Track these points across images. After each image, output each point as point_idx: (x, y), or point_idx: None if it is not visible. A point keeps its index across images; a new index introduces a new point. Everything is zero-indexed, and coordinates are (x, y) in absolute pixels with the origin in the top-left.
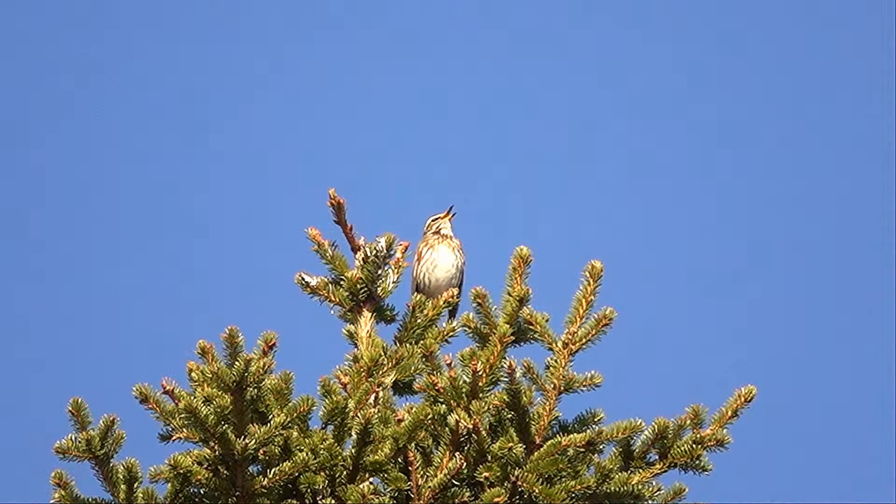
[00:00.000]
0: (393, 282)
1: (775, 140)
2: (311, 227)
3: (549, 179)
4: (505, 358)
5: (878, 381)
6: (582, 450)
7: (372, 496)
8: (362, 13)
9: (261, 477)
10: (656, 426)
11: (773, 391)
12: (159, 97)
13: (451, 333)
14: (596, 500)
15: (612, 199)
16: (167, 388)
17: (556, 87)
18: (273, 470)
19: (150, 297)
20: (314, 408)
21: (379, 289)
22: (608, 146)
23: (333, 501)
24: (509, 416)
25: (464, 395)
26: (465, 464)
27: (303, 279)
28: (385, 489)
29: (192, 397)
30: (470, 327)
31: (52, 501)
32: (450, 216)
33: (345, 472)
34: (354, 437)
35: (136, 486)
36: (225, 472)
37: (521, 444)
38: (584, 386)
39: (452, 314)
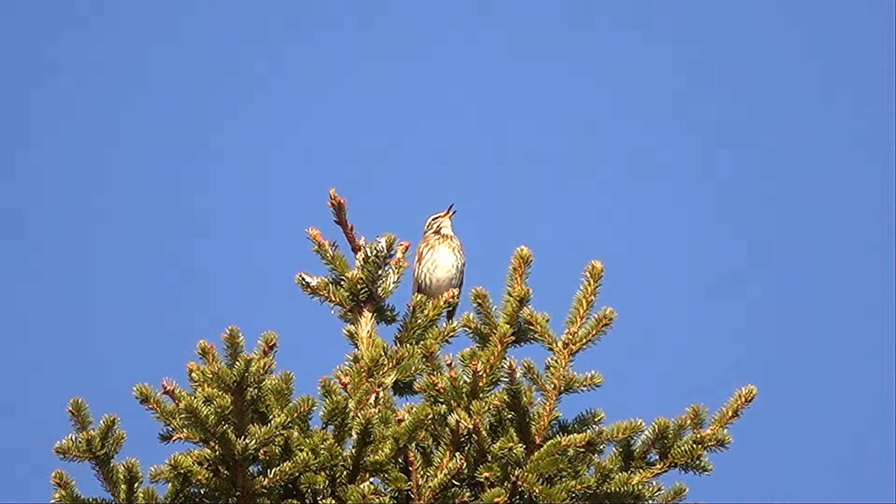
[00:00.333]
0: (393, 282)
1: (775, 140)
2: (311, 228)
3: (549, 179)
4: (505, 358)
5: (878, 381)
6: (582, 450)
7: (372, 496)
8: (362, 13)
9: (261, 477)
10: (656, 426)
11: (773, 391)
12: (159, 97)
13: (451, 334)
14: (596, 500)
15: (612, 199)
16: (167, 388)
17: (557, 87)
18: (273, 470)
19: (150, 297)
20: (314, 408)
21: (379, 289)
22: (608, 146)
23: (334, 501)
24: (509, 416)
25: (464, 395)
26: (465, 464)
27: (303, 279)
28: (385, 489)
29: (193, 397)
30: (470, 327)
31: (52, 501)
32: (450, 214)
33: (345, 472)
34: (355, 437)
35: (136, 486)
36: (225, 472)
37: (521, 445)
38: (585, 386)
39: (452, 314)
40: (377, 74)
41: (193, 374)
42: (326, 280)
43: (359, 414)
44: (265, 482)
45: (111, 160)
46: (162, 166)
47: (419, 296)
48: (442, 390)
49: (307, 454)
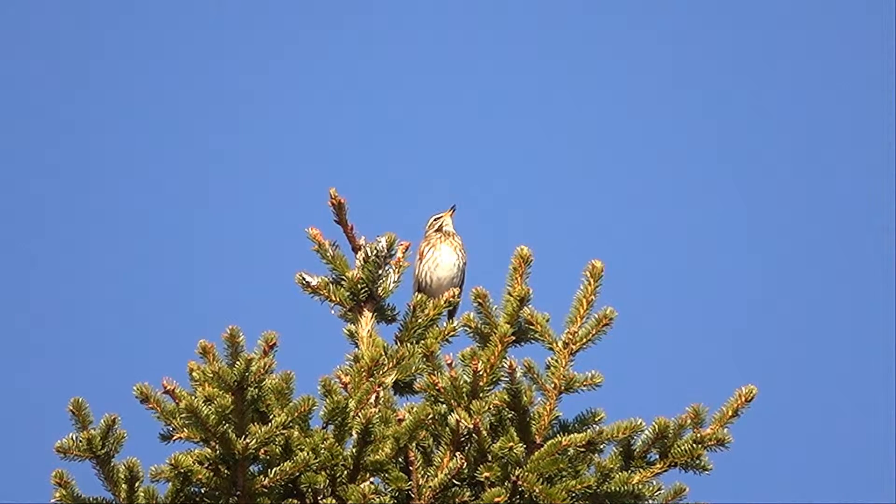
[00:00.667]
0: (394, 281)
1: (776, 140)
2: (311, 227)
3: (549, 179)
4: (505, 358)
5: (878, 381)
6: (582, 449)
7: (373, 496)
8: (362, 13)
9: (262, 476)
10: (657, 426)
11: (773, 391)
12: (160, 97)
13: (451, 333)
14: (596, 499)
15: (613, 199)
16: (168, 387)
17: (557, 88)
18: (274, 469)
19: (150, 297)
20: (315, 407)
21: (380, 289)
22: (608, 146)
23: (334, 501)
24: (510, 415)
25: (464, 394)
26: (465, 463)
27: (303, 279)
28: (386, 489)
29: (193, 397)
30: (471, 327)
31: (52, 501)
32: (451, 213)
33: (345, 472)
34: (355, 436)
35: (137, 485)
36: (226, 471)
37: (521, 444)
38: (585, 386)
39: (453, 314)
40: (377, 74)
41: (194, 374)
42: (327, 280)
43: (359, 413)
44: (266, 482)
45: (111, 159)
46: (162, 166)
47: (420, 295)
48: (442, 390)
49: (307, 454)
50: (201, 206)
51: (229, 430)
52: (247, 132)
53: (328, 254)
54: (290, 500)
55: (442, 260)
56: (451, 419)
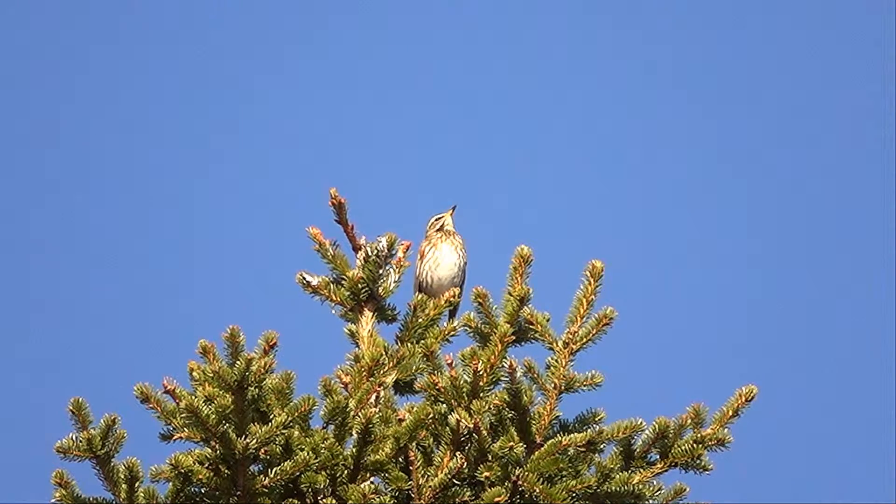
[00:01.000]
0: (394, 281)
1: (776, 139)
2: (312, 227)
3: (549, 179)
4: (506, 357)
5: (878, 381)
6: (583, 449)
7: (373, 496)
8: (363, 13)
9: (262, 476)
10: (657, 426)
11: (773, 391)
12: (160, 96)
13: (452, 333)
14: (597, 499)
15: (613, 198)
16: (168, 387)
17: (557, 88)
18: (274, 469)
19: (150, 297)
20: (315, 407)
21: (380, 288)
22: (609, 146)
23: (334, 501)
24: (510, 415)
25: (464, 394)
26: (465, 463)
27: (304, 278)
28: (386, 489)
29: (194, 397)
30: (471, 327)
31: (52, 501)
32: (451, 212)
33: (346, 472)
34: (355, 436)
35: (137, 485)
36: (226, 471)
37: (521, 444)
38: (585, 385)
39: (453, 314)
40: (378, 74)
41: (194, 374)
42: (327, 279)
43: (359, 413)
44: (266, 481)
45: (111, 158)
46: (162, 165)
47: (420, 295)
48: (442, 390)
49: (308, 453)
50: (202, 206)
51: (229, 430)
52: (247, 132)
53: (329, 253)
54: (291, 500)
55: (442, 259)
56: (452, 419)
